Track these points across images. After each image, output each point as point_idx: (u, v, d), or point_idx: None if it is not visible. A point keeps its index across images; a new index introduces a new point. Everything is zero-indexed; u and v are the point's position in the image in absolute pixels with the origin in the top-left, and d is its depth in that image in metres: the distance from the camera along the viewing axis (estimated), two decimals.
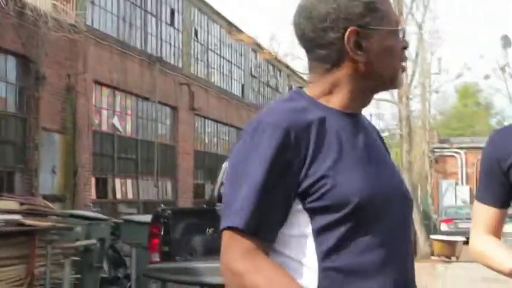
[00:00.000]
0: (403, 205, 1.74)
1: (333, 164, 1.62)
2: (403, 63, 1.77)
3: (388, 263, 1.63)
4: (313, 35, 1.71)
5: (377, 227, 1.63)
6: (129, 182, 18.12)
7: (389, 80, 1.76)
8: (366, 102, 1.80)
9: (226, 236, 1.61)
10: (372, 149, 1.75)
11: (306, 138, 1.61)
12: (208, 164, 23.94)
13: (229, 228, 1.60)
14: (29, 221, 8.31)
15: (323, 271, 1.60)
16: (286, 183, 1.59)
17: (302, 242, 1.62)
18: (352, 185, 1.61)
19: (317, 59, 1.73)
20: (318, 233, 1.61)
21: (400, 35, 1.76)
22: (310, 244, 1.62)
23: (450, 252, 17.45)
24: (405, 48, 1.77)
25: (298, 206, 1.62)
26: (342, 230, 1.60)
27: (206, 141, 24.12)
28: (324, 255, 1.60)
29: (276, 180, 1.58)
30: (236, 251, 1.58)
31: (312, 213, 1.61)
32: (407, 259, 1.70)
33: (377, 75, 1.73)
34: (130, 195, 18.13)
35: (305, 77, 32.00)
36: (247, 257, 1.57)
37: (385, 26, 1.70)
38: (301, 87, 1.79)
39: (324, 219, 1.61)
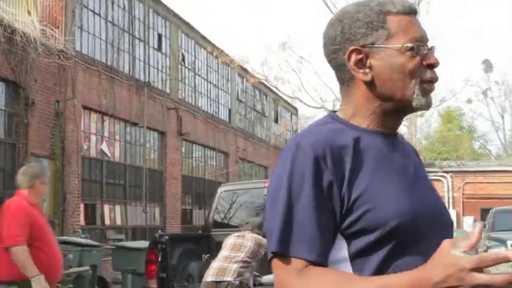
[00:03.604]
0: (443, 227, 1.70)
1: (369, 186, 1.59)
2: (426, 83, 1.70)
3: None
4: (329, 58, 1.77)
5: (416, 250, 1.60)
6: (117, 207, 18.02)
7: (405, 100, 1.71)
8: (394, 123, 1.76)
9: (277, 259, 1.57)
10: (411, 169, 1.72)
11: (343, 160, 1.59)
12: (196, 189, 23.89)
13: (275, 253, 1.57)
14: None
15: None
16: (326, 204, 1.56)
17: (339, 267, 1.58)
18: (390, 207, 1.58)
19: (338, 81, 1.78)
20: (355, 257, 1.59)
21: (423, 51, 1.70)
22: (347, 269, 1.58)
23: None
24: (430, 65, 1.70)
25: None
26: (379, 254, 1.58)
27: (194, 166, 24.07)
28: None
29: (323, 203, 1.56)
30: (290, 271, 1.54)
31: (349, 236, 1.59)
32: None
33: (388, 95, 1.71)
34: (118, 221, 18.01)
35: (290, 101, 32.17)
36: (300, 275, 1.53)
37: (392, 44, 1.68)
38: (334, 111, 1.79)
39: (361, 243, 1.58)
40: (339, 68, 1.74)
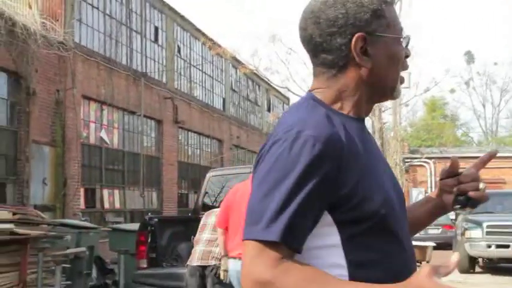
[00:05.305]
0: (404, 209, 1.71)
1: (360, 175, 1.53)
2: (402, 73, 1.70)
3: (407, 264, 1.61)
4: (321, 39, 1.62)
5: (394, 234, 1.59)
6: (116, 192, 18.02)
7: (391, 89, 1.69)
8: (369, 111, 1.72)
9: (253, 246, 1.46)
10: (380, 155, 1.71)
11: (340, 150, 1.51)
12: (191, 174, 23.88)
13: (259, 240, 1.45)
14: (21, 230, 8.25)
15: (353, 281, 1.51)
16: (324, 195, 1.49)
17: (329, 252, 1.52)
18: (380, 195, 1.56)
19: (323, 64, 1.65)
20: (347, 242, 1.52)
21: (404, 44, 1.69)
22: (339, 254, 1.53)
23: (421, 257, 17.54)
24: (407, 56, 1.71)
25: (326, 217, 1.52)
26: (369, 240, 1.54)
27: (189, 153, 24.06)
28: (354, 265, 1.52)
29: (316, 193, 1.47)
30: (265, 261, 1.43)
31: (341, 223, 1.52)
32: (413, 256, 1.68)
33: (380, 83, 1.66)
34: (117, 205, 18.02)
35: (282, 90, 32.07)
36: (276, 266, 1.42)
37: (390, 34, 1.64)
38: (310, 91, 1.68)
39: (353, 230, 1.52)
40: (332, 51, 1.62)
